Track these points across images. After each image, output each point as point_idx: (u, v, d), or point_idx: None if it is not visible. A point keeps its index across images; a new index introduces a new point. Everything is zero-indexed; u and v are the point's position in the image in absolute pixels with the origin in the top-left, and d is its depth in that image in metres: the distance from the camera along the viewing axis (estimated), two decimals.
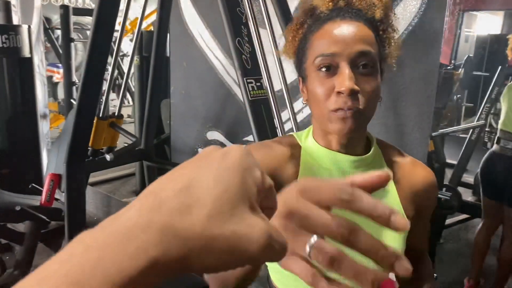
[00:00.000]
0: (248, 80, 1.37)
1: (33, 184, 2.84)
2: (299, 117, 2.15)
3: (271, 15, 1.63)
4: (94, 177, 4.05)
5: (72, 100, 3.95)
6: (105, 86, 2.17)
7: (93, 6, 8.56)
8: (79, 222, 2.13)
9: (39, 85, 3.68)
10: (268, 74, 1.50)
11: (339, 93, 0.69)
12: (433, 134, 2.25)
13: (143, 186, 3.80)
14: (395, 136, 1.88)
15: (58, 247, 2.92)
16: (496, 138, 2.41)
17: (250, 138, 2.41)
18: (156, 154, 2.84)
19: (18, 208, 2.33)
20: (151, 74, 2.20)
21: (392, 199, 0.81)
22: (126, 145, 2.62)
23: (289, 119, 2.18)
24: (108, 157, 2.00)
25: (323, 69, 0.71)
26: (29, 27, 2.97)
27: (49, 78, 6.26)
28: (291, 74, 1.74)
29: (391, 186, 0.81)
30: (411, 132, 1.83)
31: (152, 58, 2.17)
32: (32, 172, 2.97)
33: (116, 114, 2.18)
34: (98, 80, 1.93)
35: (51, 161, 2.75)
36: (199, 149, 2.61)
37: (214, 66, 2.45)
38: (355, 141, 0.79)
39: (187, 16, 2.54)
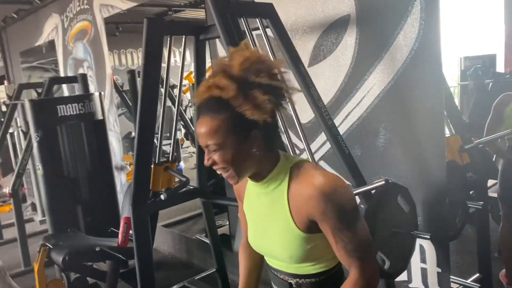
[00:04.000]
0: None
1: (112, 228, 3.26)
2: (325, 148, 2.33)
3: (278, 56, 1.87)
4: (169, 219, 4.45)
5: None
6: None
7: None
8: (147, 258, 2.43)
9: (114, 141, 4.21)
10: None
11: None
12: (466, 146, 2.29)
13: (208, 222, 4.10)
14: (414, 155, 1.98)
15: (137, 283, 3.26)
16: None
17: None
18: (219, 192, 3.14)
19: (98, 248, 2.71)
20: (195, 121, 2.52)
21: (284, 211, 1.10)
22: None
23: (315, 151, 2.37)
24: (162, 196, 2.31)
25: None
26: (100, 93, 3.49)
27: (129, 134, 6.96)
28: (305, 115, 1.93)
29: (284, 200, 1.10)
30: (426, 151, 1.92)
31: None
32: (110, 217, 3.39)
33: (170, 159, 2.50)
34: (151, 132, 2.27)
35: (125, 206, 3.15)
36: None
37: None
38: (256, 176, 1.14)
39: None
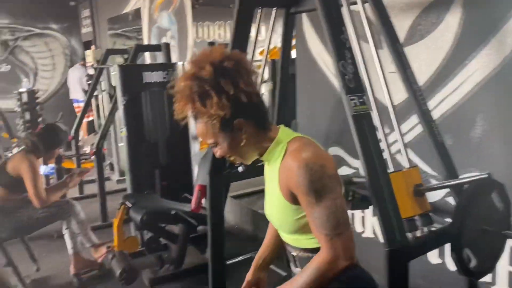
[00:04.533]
0: (351, 97, 1.53)
1: (186, 194, 3.38)
2: (411, 135, 2.20)
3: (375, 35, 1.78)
4: (236, 191, 4.53)
5: None
6: None
7: None
8: (219, 225, 2.48)
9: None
10: (371, 91, 1.65)
11: None
12: None
13: None
14: None
15: (204, 248, 3.36)
16: None
17: None
18: None
19: (173, 212, 2.82)
20: (277, 98, 2.50)
21: (275, 182, 1.22)
22: None
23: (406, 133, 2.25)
24: (240, 168, 2.34)
25: None
26: (183, 64, 3.57)
27: None
28: (400, 93, 1.84)
29: (277, 172, 1.21)
30: None
31: (278, 83, 2.46)
32: (184, 183, 3.51)
33: None
34: None
35: (199, 174, 3.24)
36: None
37: (335, 88, 2.65)
38: (259, 156, 1.26)
39: (310, 43, 2.80)
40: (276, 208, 1.27)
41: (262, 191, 4.37)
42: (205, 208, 3.22)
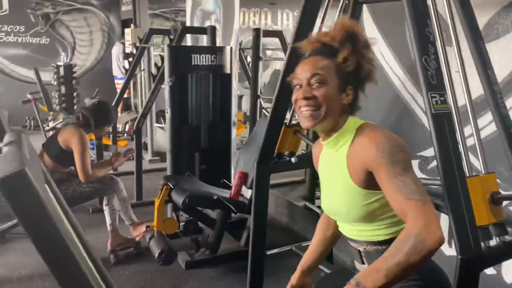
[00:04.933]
0: (432, 95, 1.46)
1: (224, 180, 3.35)
2: (485, 132, 2.10)
3: (459, 33, 1.68)
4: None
5: (265, 111, 4.46)
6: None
7: (274, 28, 9.30)
8: (263, 213, 2.45)
9: (232, 97, 4.27)
10: (452, 89, 1.57)
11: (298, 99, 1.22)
12: None
13: (312, 191, 4.08)
14: None
15: (240, 236, 3.34)
16: None
17: (423, 153, 2.44)
18: None
19: (215, 197, 2.80)
20: None
21: (343, 168, 1.20)
22: (304, 151, 2.90)
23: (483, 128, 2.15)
24: (293, 160, 2.29)
25: (296, 86, 1.24)
26: (231, 48, 3.52)
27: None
28: (477, 89, 1.75)
29: (344, 157, 1.20)
30: None
31: None
32: (223, 169, 3.48)
33: None
34: (289, 95, 2.22)
35: (240, 161, 3.21)
36: None
37: (392, 83, 2.56)
38: (327, 130, 1.24)
39: (369, 36, 2.71)
40: (340, 196, 1.24)
41: (295, 182, 4.34)
42: (243, 196, 3.20)
